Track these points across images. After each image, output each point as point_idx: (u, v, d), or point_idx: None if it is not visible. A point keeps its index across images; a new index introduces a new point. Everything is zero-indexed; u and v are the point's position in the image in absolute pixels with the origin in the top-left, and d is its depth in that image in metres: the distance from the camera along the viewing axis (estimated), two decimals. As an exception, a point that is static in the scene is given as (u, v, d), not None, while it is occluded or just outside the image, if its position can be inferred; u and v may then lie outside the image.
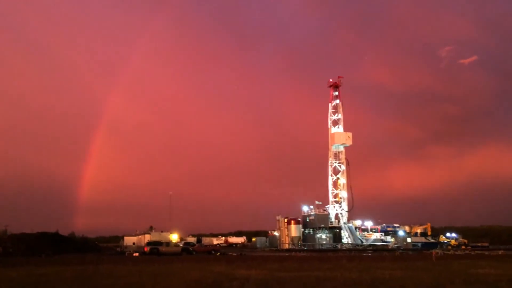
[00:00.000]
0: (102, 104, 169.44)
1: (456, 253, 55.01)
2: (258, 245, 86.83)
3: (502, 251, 59.08)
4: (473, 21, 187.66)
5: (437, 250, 58.44)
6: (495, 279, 18.70)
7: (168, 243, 51.97)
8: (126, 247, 63.92)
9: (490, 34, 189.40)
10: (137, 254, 50.19)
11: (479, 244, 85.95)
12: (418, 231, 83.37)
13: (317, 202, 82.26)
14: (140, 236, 64.55)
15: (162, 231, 62.25)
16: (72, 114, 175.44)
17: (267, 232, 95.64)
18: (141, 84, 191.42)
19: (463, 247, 75.64)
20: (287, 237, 79.00)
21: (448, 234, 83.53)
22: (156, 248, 48.29)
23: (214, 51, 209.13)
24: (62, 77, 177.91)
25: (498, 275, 20.70)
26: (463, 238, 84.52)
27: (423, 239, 79.61)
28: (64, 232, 69.31)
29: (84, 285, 16.88)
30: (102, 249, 67.44)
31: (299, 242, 77.84)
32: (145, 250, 49.02)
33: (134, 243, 65.41)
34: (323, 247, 72.38)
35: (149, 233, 60.42)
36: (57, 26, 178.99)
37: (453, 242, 79.59)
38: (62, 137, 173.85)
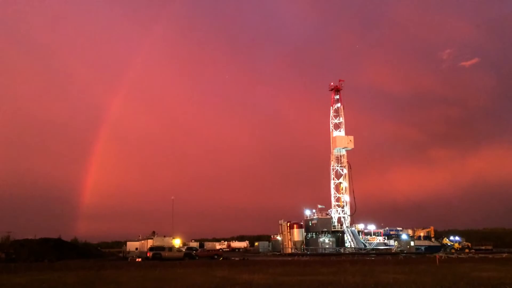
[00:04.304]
0: (105, 109, 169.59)
1: (460, 256, 54.72)
2: (260, 250, 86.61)
3: (506, 254, 58.79)
4: (474, 23, 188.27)
5: (440, 254, 58.21)
6: (499, 282, 18.64)
7: (171, 248, 51.91)
8: (129, 252, 63.80)
9: (491, 36, 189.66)
10: (139, 259, 50.13)
11: (483, 247, 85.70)
12: (421, 234, 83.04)
13: (319, 206, 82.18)
14: (142, 241, 64.38)
15: (164, 236, 62.03)
16: (74, 119, 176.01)
17: (270, 236, 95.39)
18: (143, 90, 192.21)
19: (466, 250, 75.28)
20: (289, 241, 78.82)
21: (451, 237, 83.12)
22: (159, 253, 48.33)
23: (214, 56, 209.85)
24: (64, 82, 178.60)
25: (501, 278, 20.62)
26: (466, 241, 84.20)
27: (426, 243, 79.16)
28: (66, 237, 69.60)
29: (87, 291, 16.85)
30: (105, 254, 67.48)
31: (302, 246, 77.62)
32: (148, 255, 49.03)
33: (136, 248, 65.27)
34: (326, 251, 72.06)
35: (151, 238, 60.24)
36: (58, 30, 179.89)
37: (456, 245, 79.20)
38: (65, 143, 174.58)
